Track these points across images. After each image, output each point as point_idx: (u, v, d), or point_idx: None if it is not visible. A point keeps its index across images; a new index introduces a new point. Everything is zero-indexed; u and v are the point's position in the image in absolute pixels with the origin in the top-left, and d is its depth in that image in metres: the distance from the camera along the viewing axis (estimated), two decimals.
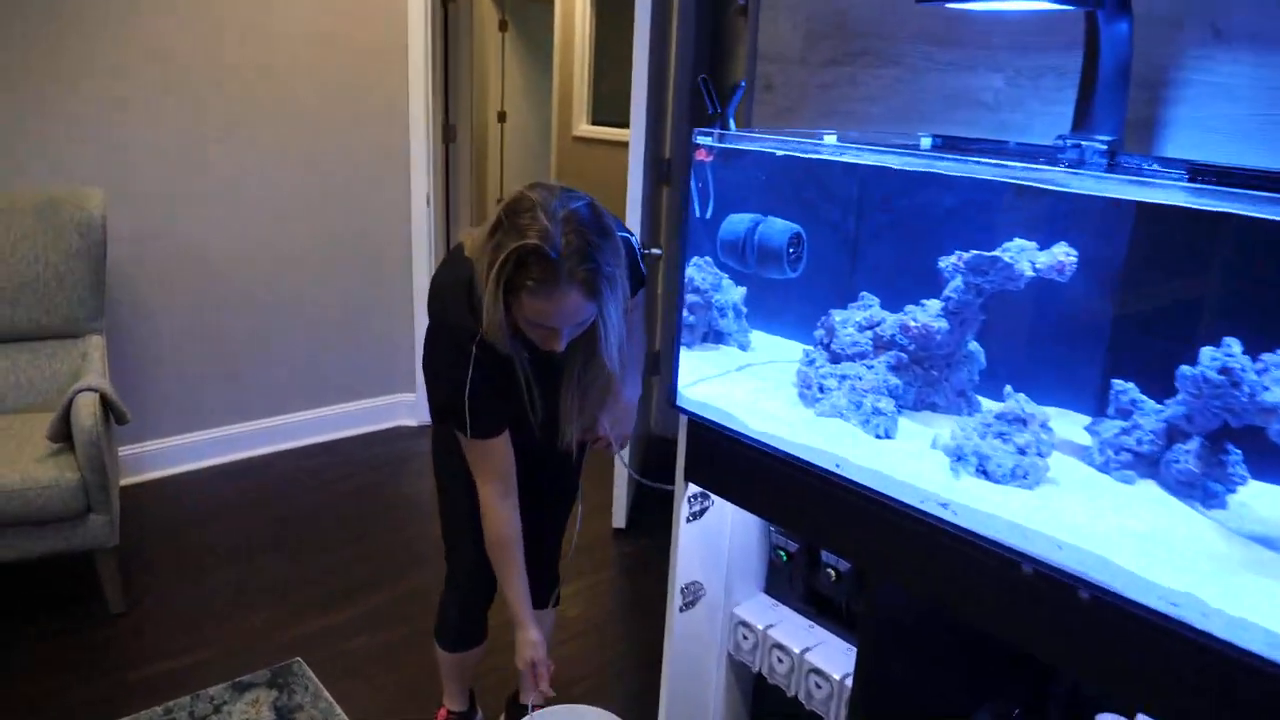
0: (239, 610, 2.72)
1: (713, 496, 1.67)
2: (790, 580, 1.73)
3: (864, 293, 1.51)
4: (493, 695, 2.36)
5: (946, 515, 1.20)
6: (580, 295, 1.43)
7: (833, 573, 1.60)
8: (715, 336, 1.68)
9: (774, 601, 1.77)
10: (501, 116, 5.59)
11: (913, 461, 1.29)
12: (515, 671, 2.20)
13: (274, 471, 3.57)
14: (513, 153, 5.73)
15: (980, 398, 1.45)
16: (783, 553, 1.67)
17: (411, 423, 4.00)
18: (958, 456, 1.27)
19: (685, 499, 1.62)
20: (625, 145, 2.91)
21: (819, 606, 1.71)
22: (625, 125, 2.94)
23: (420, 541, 3.11)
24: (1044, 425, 1.24)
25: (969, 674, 1.53)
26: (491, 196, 5.70)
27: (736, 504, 1.55)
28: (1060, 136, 1.34)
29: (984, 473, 1.24)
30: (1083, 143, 1.30)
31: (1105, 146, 1.28)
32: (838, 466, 1.32)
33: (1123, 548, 1.08)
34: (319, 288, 3.66)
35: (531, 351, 1.61)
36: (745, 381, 1.57)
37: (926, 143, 1.58)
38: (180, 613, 2.69)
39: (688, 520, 1.64)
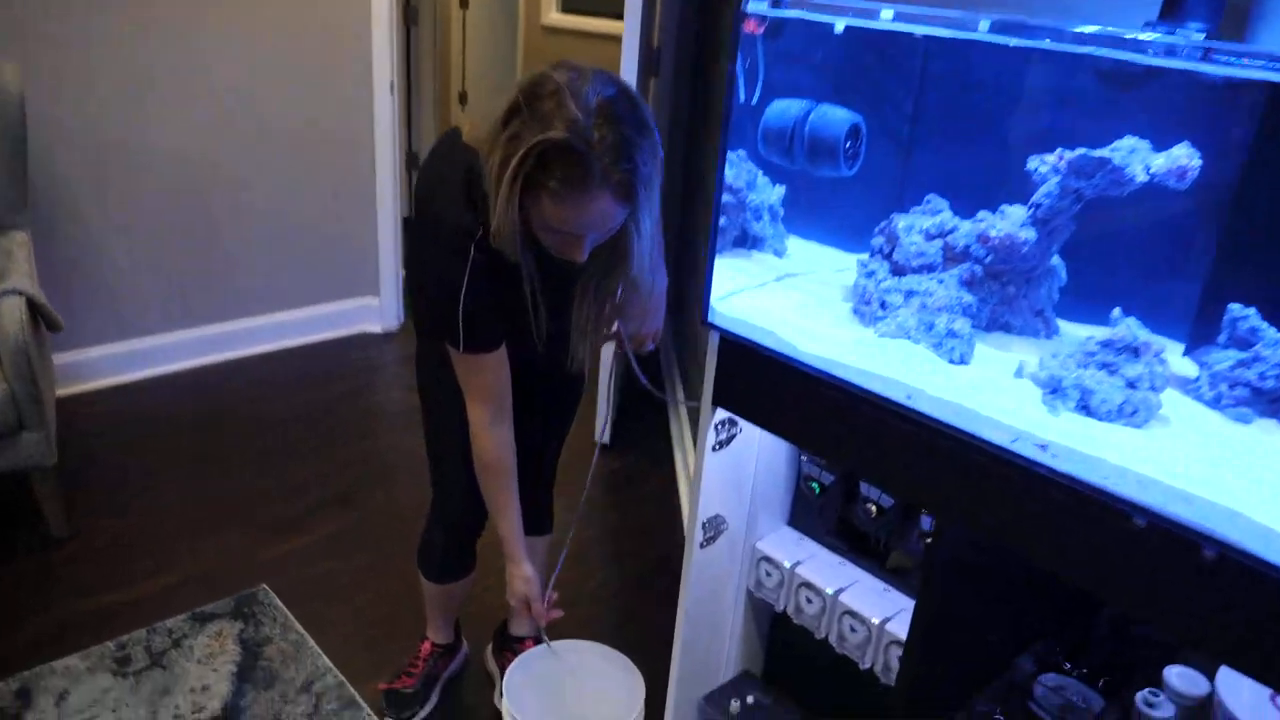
0: (196, 534, 2.52)
1: (740, 423, 1.49)
2: (821, 514, 1.57)
3: (930, 196, 1.31)
4: (479, 625, 2.21)
5: (1043, 458, 1.04)
6: (612, 200, 1.22)
7: (873, 508, 1.45)
8: (747, 241, 1.48)
9: (799, 535, 1.62)
10: (464, 2, 5.19)
11: (996, 393, 1.12)
12: (504, 600, 2.05)
13: (227, 382, 3.32)
14: (476, 45, 5.35)
15: (1059, 320, 1.28)
16: (815, 484, 1.51)
17: (376, 329, 3.76)
18: (1053, 389, 1.09)
19: (712, 426, 1.44)
20: (599, 36, 2.64)
21: (852, 542, 1.56)
22: (599, 13, 2.65)
23: (391, 455, 2.92)
24: (1159, 356, 1.07)
25: (1020, 617, 1.40)
26: (454, 89, 5.33)
27: (778, 434, 1.38)
28: (1148, 23, 1.13)
29: (1085, 408, 1.08)
30: (1175, 30, 1.10)
31: (1202, 35, 1.08)
32: (909, 398, 1.14)
33: (1254, 498, 0.93)
34: (271, 183, 3.35)
35: (541, 258, 1.40)
36: (785, 294, 1.38)
37: (985, 25, 1.36)
38: (131, 537, 2.48)
39: (713, 449, 1.47)
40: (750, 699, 1.65)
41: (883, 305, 1.26)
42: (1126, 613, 1.24)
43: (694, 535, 1.52)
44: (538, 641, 2.06)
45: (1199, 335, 1.19)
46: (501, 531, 1.66)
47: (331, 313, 3.63)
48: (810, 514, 1.61)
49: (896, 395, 1.16)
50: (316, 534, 2.55)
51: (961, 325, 1.19)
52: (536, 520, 1.97)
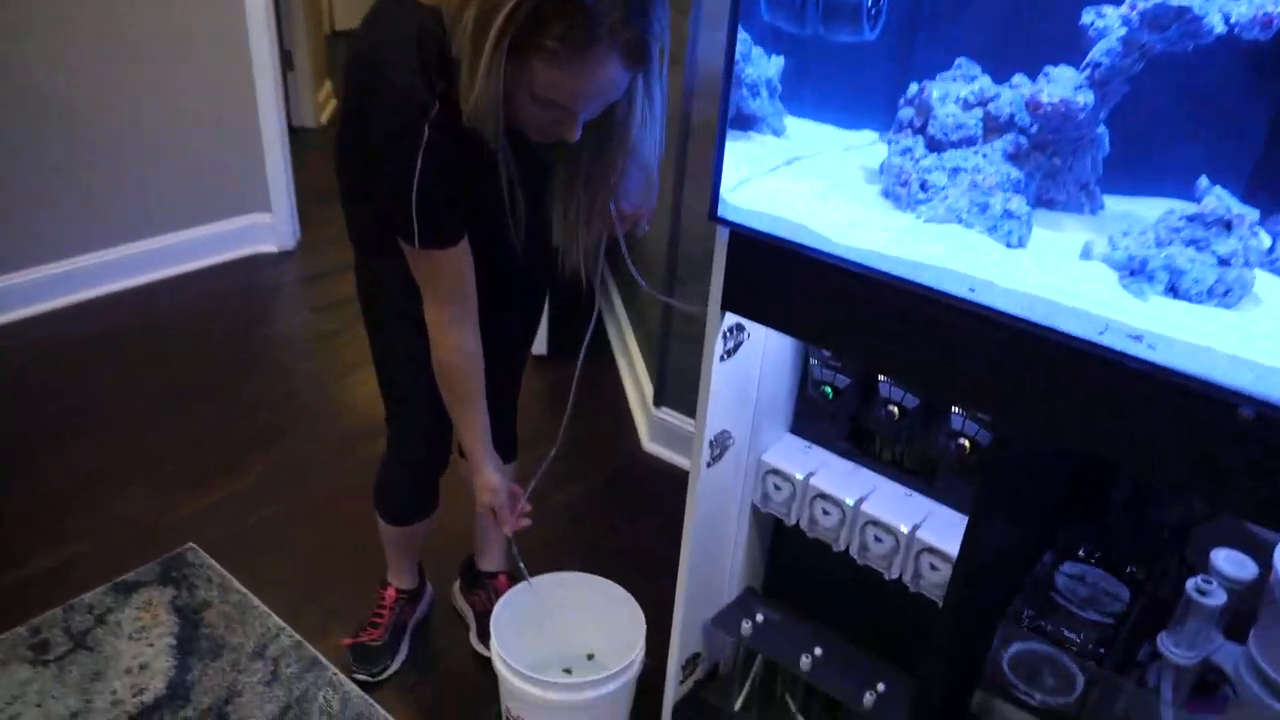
0: (104, 491, 2.25)
1: (748, 329, 1.34)
2: (833, 419, 1.46)
3: (961, 60, 1.16)
4: (442, 561, 2.05)
5: (1138, 350, 0.93)
6: (620, 64, 1.03)
7: (895, 410, 1.33)
8: (741, 121, 1.30)
9: (806, 444, 1.50)
10: None
11: (1064, 279, 1.00)
12: (469, 532, 1.89)
13: (112, 319, 2.98)
14: None
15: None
16: (828, 389, 1.39)
17: (271, 248, 3.43)
18: (1134, 270, 0.98)
19: (719, 334, 1.29)
20: None
21: (864, 447, 1.46)
22: None
23: (309, 386, 2.68)
24: (1253, 229, 0.96)
25: (1048, 514, 1.33)
26: None
27: (804, 338, 1.25)
28: None
29: (1173, 290, 0.97)
30: None
31: None
32: (972, 291, 1.01)
33: None
34: (140, 91, 2.95)
35: (517, 138, 1.20)
36: (799, 180, 1.22)
37: None
38: (28, 501, 2.20)
39: (720, 359, 1.32)
40: (760, 617, 1.55)
41: (924, 186, 1.11)
42: (1235, 512, 1.16)
43: (700, 455, 1.39)
44: (510, 576, 1.92)
45: (1271, 204, 1.09)
46: (466, 442, 1.49)
47: (221, 234, 3.28)
48: (816, 420, 1.49)
49: (955, 289, 1.02)
50: (241, 480, 2.32)
51: (1018, 204, 1.06)
52: (501, 446, 1.80)
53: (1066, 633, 1.29)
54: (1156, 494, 1.37)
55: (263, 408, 2.58)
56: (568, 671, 1.80)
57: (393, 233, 1.29)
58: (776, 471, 1.47)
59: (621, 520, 2.27)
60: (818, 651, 1.50)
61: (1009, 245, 1.05)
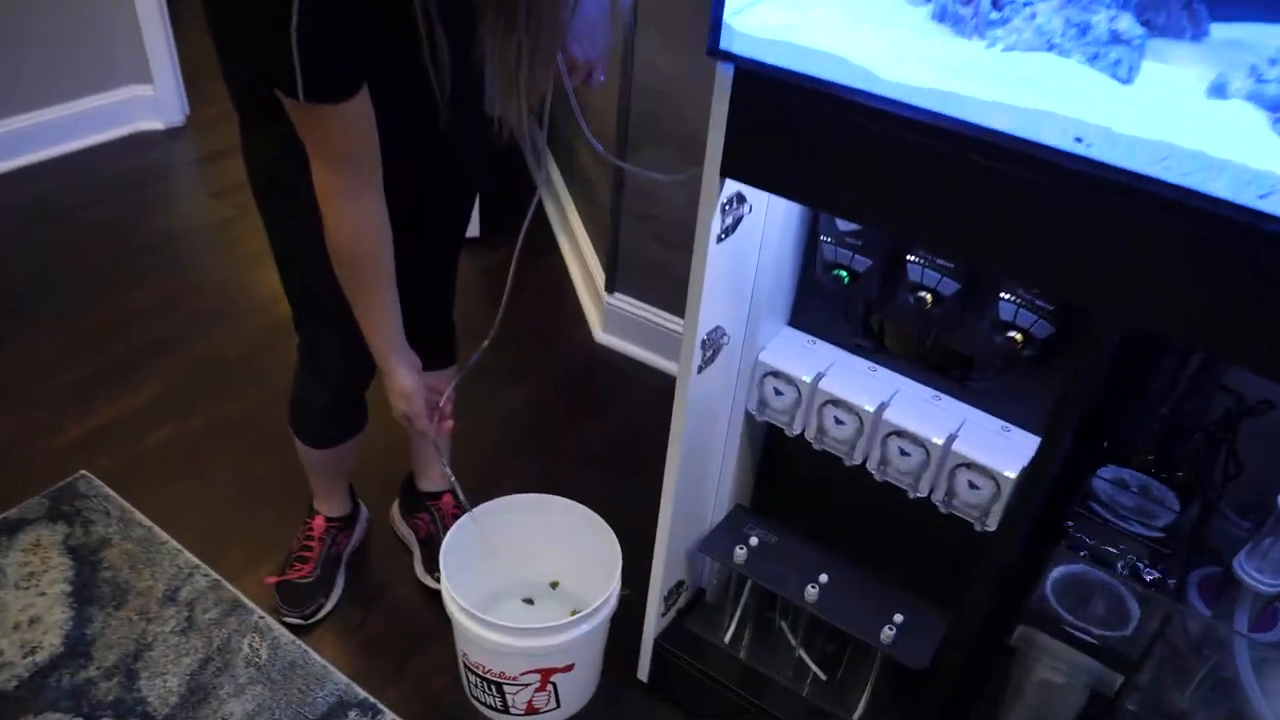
0: None
1: (749, 201, 1.07)
2: (846, 308, 1.21)
3: None
4: (377, 479, 1.79)
5: None
6: None
7: (926, 296, 1.09)
8: None
9: (809, 339, 1.26)
10: None
11: (1194, 121, 0.75)
12: (407, 449, 1.64)
13: None
14: None
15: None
16: (843, 273, 1.14)
17: (156, 125, 3.00)
18: None
19: (717, 209, 1.02)
20: None
21: (880, 341, 1.22)
22: None
23: (211, 282, 2.34)
24: None
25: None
26: None
27: (832, 210, 0.99)
28: None
29: None
30: None
31: None
32: (1080, 141, 0.76)
33: None
34: None
35: None
36: (815, 3, 0.93)
37: None
38: None
39: (717, 240, 1.05)
40: (754, 540, 1.34)
41: (996, 4, 0.84)
42: None
43: (691, 359, 1.14)
44: (456, 498, 1.68)
45: None
46: (373, 341, 1.23)
47: (97, 110, 2.84)
48: (823, 311, 1.24)
49: (1055, 139, 0.77)
50: (139, 395, 2.01)
51: (1127, 24, 0.80)
52: (438, 350, 1.53)
53: (1113, 550, 1.10)
54: (1198, 385, 1.17)
55: (160, 309, 2.24)
56: (529, 602, 1.59)
57: (271, 85, 0.98)
58: (778, 374, 1.23)
59: (577, 423, 2.03)
60: (823, 578, 1.30)
61: (1118, 79, 0.80)
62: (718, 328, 1.15)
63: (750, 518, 1.40)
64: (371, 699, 1.46)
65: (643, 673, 1.49)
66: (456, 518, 1.50)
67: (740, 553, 1.32)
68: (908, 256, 1.09)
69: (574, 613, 1.56)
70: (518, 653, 1.31)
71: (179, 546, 1.68)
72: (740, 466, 1.38)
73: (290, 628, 1.56)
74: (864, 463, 1.21)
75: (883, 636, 1.23)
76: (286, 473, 1.71)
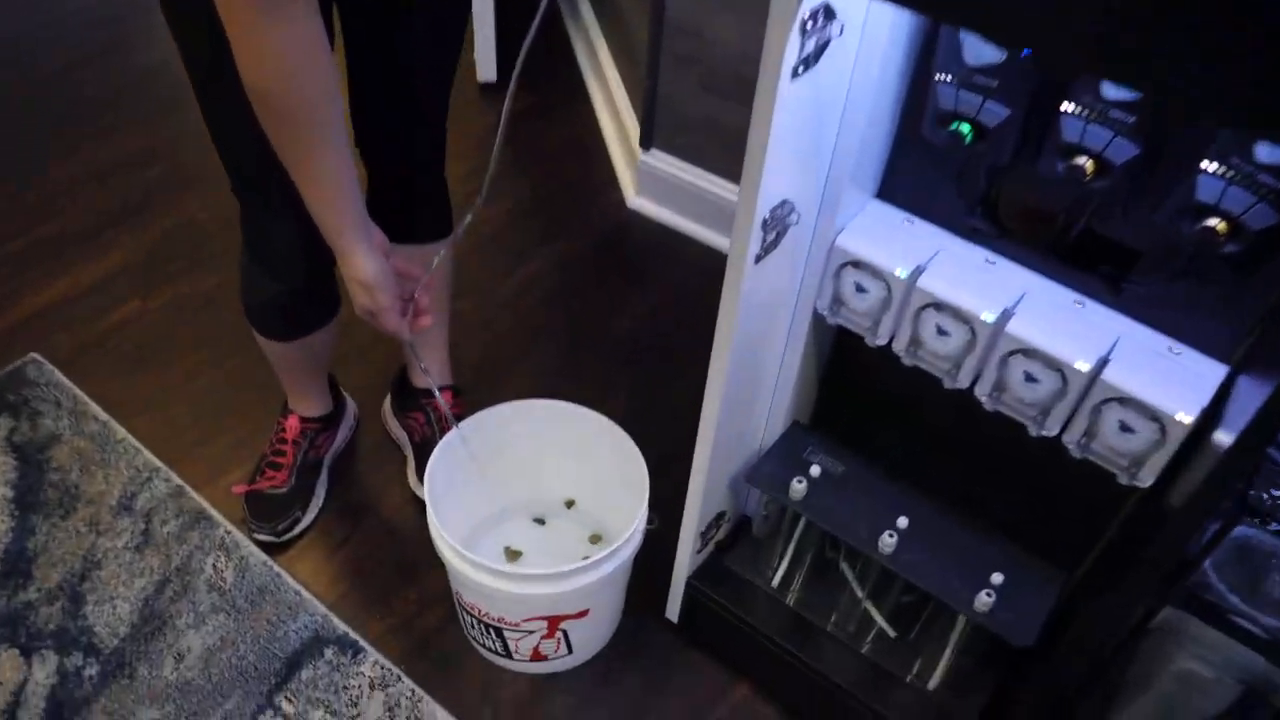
0: None
1: (840, 19, 0.74)
2: (962, 177, 0.89)
3: None
4: (367, 369, 1.54)
5: None
6: None
7: (1087, 163, 0.77)
8: None
9: (906, 218, 0.95)
10: None
11: None
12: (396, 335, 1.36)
13: None
14: None
15: None
16: (964, 126, 0.81)
17: None
18: None
19: (795, 27, 0.70)
20: None
21: (1003, 224, 0.90)
22: None
23: (181, 142, 2.02)
24: None
25: None
26: None
27: (979, 27, 0.66)
28: None
29: None
30: None
31: None
32: None
33: None
34: None
35: None
36: None
37: None
38: None
39: (793, 74, 0.73)
40: (816, 469, 1.07)
41: None
42: None
43: (747, 244, 0.83)
44: (455, 392, 1.42)
45: None
46: (320, 217, 0.93)
47: None
48: (921, 180, 0.93)
49: None
50: (99, 267, 1.75)
51: None
52: (424, 217, 1.24)
53: None
54: None
55: (127, 167, 1.95)
56: (540, 522, 1.34)
57: None
58: (860, 264, 0.92)
59: (602, 304, 1.74)
60: (902, 523, 1.03)
61: None
62: (785, 202, 0.84)
63: (811, 439, 1.12)
64: (352, 634, 1.24)
65: (671, 611, 1.25)
66: (459, 419, 1.25)
67: (798, 486, 1.05)
68: (1065, 105, 0.76)
69: (593, 538, 1.32)
70: (519, 599, 1.07)
71: (137, 445, 1.45)
72: (801, 378, 1.09)
73: (261, 546, 1.34)
74: (972, 387, 0.92)
75: (977, 604, 0.97)
76: (265, 361, 1.46)
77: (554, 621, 1.12)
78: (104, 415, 1.49)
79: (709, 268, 1.79)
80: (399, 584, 1.31)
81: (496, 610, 1.11)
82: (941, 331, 0.90)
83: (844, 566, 1.16)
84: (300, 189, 0.88)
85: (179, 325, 1.65)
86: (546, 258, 1.82)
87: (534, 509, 1.34)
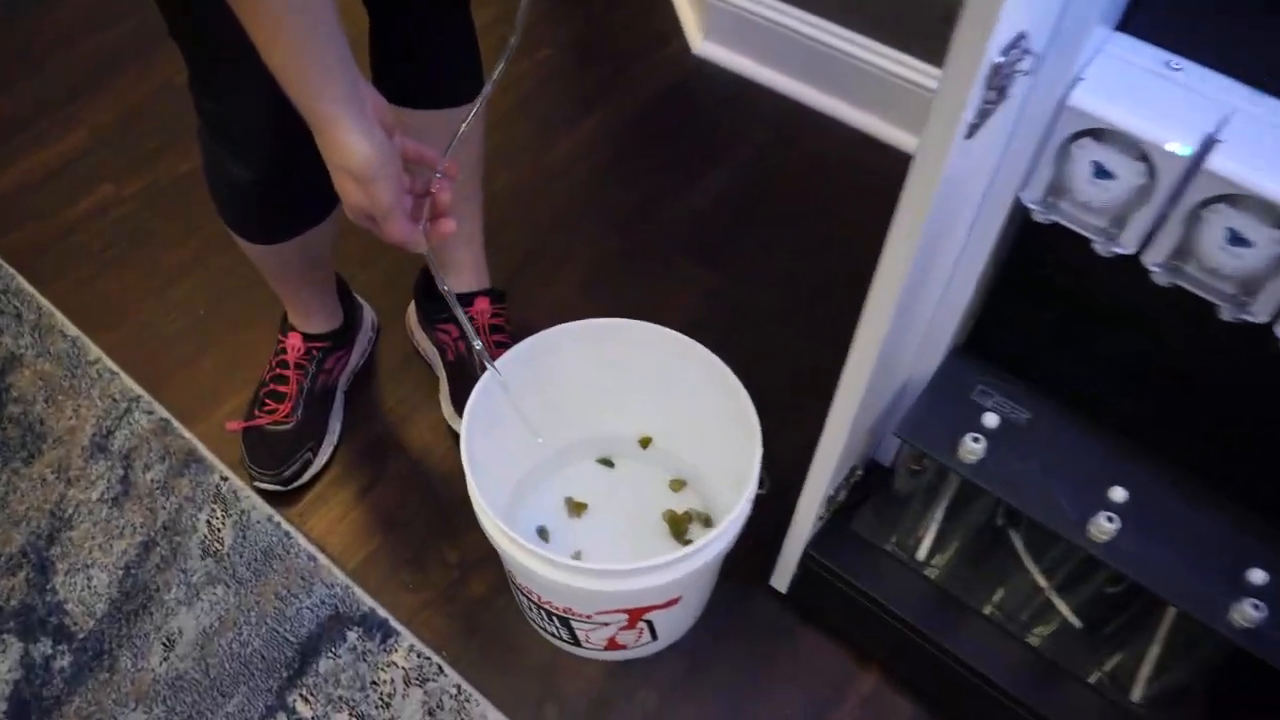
0: None
1: None
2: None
3: None
4: (385, 269, 1.25)
5: None
6: None
7: None
8: None
9: (1169, 58, 0.61)
10: None
11: None
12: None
13: None
14: None
15: None
16: None
17: None
18: None
19: None
20: None
21: None
22: None
23: None
24: None
25: None
26: None
27: None
28: None
29: None
30: None
31: None
32: None
33: None
34: None
35: None
36: None
37: None
38: None
39: None
40: (992, 418, 0.78)
41: None
42: None
43: (962, 108, 0.52)
44: (493, 299, 1.14)
45: None
46: (287, 74, 0.60)
47: None
48: (1187, 5, 0.59)
49: None
50: (62, 148, 1.45)
51: None
52: (453, 69, 0.93)
53: None
54: None
55: (95, 22, 1.62)
56: (607, 464, 1.08)
57: None
58: (1106, 133, 0.60)
59: (668, 178, 1.42)
60: (1118, 496, 0.74)
61: None
62: (1021, 38, 0.52)
63: (979, 374, 0.83)
64: (380, 611, 1.00)
65: (780, 581, 0.99)
66: (500, 335, 0.99)
67: (973, 446, 0.76)
68: None
69: (675, 483, 1.05)
70: (592, 595, 0.81)
71: (114, 368, 1.19)
72: (976, 291, 0.79)
73: (265, 497, 1.09)
74: (1273, 323, 0.61)
75: (1235, 616, 0.69)
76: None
77: (636, 614, 0.86)
78: (73, 330, 1.23)
79: (801, 126, 1.45)
80: (437, 541, 1.06)
81: (562, 601, 0.85)
82: (1238, 239, 0.58)
83: (1013, 534, 0.88)
84: (247, 26, 0.57)
85: (160, 215, 1.36)
86: (596, 122, 1.49)
87: (600, 448, 1.08)
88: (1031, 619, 0.88)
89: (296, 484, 1.09)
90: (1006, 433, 0.78)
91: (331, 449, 1.13)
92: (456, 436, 1.09)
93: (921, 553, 0.91)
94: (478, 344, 0.83)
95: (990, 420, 0.78)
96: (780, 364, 1.17)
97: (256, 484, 1.08)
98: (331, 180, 0.66)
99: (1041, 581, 0.85)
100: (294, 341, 1.10)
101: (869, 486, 0.95)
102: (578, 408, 1.01)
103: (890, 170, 1.35)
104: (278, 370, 1.10)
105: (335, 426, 1.14)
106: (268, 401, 1.10)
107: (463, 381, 1.10)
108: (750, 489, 0.81)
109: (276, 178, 0.85)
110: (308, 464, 1.10)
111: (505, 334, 1.12)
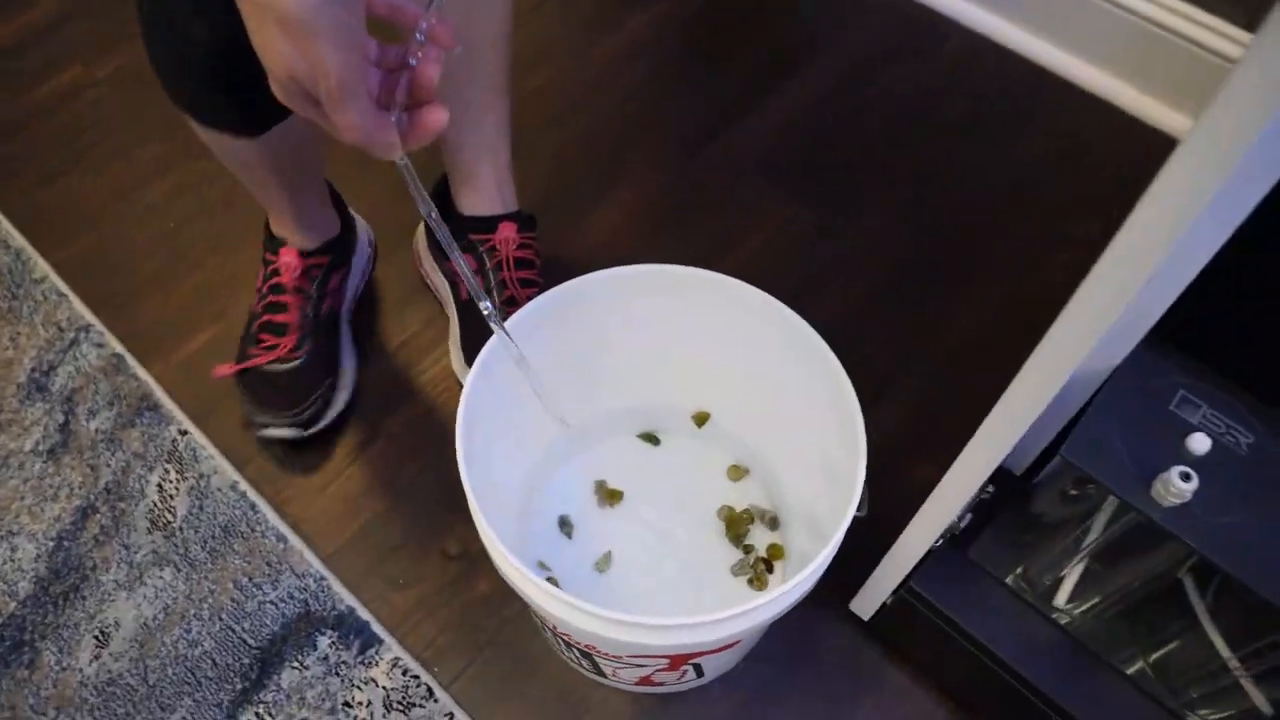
0: None
1: None
2: None
3: None
4: (380, 187, 1.03)
5: None
6: None
7: None
8: None
9: None
10: None
11: None
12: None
13: None
14: None
15: None
16: None
17: None
18: None
19: None
20: None
21: None
22: None
23: None
24: None
25: None
26: None
27: None
28: None
29: None
30: None
31: None
32: None
33: None
34: None
35: None
36: None
37: None
38: None
39: None
40: (1202, 441, 0.55)
41: None
42: None
43: None
44: (519, 224, 0.92)
45: None
46: None
47: None
48: None
49: None
50: (21, 24, 1.23)
51: None
52: None
53: None
54: None
55: None
56: (651, 441, 0.86)
57: None
58: None
59: (737, 85, 1.16)
60: None
61: None
62: None
63: (1184, 374, 0.59)
64: (362, 612, 0.81)
65: (862, 607, 0.78)
66: (528, 272, 0.78)
67: (1180, 486, 0.53)
68: None
69: (734, 470, 0.84)
70: (621, 645, 0.60)
71: (64, 289, 0.99)
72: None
73: (236, 463, 0.89)
74: None
75: None
76: None
77: (680, 660, 0.66)
78: (19, 239, 1.03)
79: (915, 31, 1.19)
80: (436, 525, 0.86)
81: (584, 639, 0.64)
82: None
83: (1198, 605, 0.65)
84: None
85: (134, 104, 1.14)
86: (647, 16, 1.23)
87: (644, 421, 0.86)
88: (1201, 698, 0.67)
89: (317, 428, 0.89)
90: (1221, 463, 0.55)
91: (350, 390, 0.92)
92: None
93: (1061, 597, 0.69)
94: (485, 304, 0.61)
95: (1199, 444, 0.55)
96: (879, 333, 0.94)
97: (267, 433, 0.87)
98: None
99: (1232, 663, 0.63)
100: (288, 259, 0.88)
101: (993, 503, 0.73)
102: (618, 371, 0.79)
103: (1040, 94, 1.06)
104: (272, 298, 0.89)
105: (349, 364, 0.93)
106: (264, 336, 0.89)
107: (478, 325, 0.89)
108: (849, 512, 0.59)
109: (220, 48, 0.62)
110: (327, 401, 0.89)
111: (534, 270, 0.90)
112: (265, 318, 0.90)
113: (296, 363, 0.89)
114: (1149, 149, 1.08)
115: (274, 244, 0.90)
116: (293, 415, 0.87)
